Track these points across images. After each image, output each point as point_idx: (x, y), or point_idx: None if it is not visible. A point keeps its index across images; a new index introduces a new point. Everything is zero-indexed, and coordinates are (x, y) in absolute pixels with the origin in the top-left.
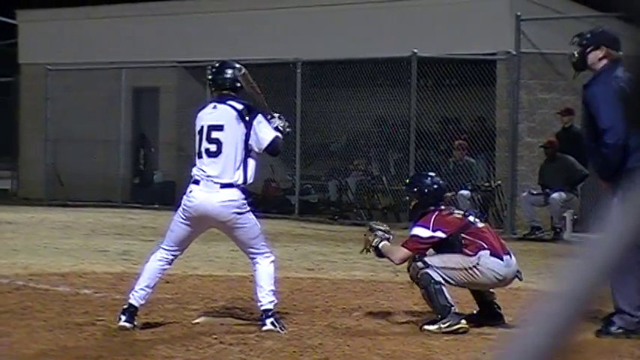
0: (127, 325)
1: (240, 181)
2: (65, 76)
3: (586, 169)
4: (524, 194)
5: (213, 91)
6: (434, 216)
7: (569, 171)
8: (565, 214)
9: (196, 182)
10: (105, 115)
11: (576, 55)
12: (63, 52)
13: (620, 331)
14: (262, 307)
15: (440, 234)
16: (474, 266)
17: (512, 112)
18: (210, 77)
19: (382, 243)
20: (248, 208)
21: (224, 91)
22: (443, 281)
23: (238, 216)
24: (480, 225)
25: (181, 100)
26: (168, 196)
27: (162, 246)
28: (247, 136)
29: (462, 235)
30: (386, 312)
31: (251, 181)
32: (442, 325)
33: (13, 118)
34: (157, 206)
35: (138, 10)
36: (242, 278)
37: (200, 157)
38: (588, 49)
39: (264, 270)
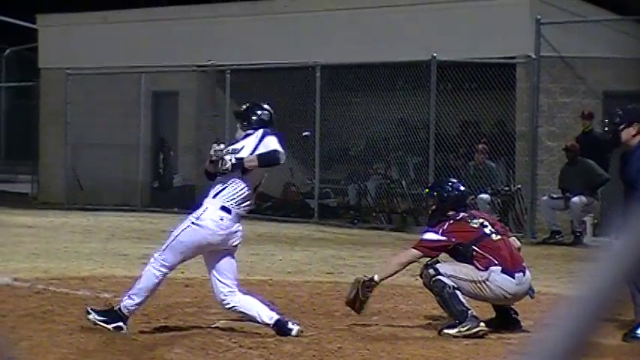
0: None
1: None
2: (85, 81)
3: (606, 174)
4: (544, 198)
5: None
6: (447, 223)
7: (589, 175)
8: (585, 219)
9: (228, 211)
10: (124, 119)
11: (609, 133)
12: (83, 56)
13: None
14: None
15: (448, 240)
16: (484, 281)
17: (532, 115)
18: (267, 110)
19: (371, 278)
20: None
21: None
22: (457, 285)
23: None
24: (495, 238)
25: (201, 104)
26: (188, 200)
27: (168, 264)
28: None
29: (474, 247)
30: (405, 316)
31: None
32: (462, 329)
33: (33, 122)
34: (176, 210)
35: (157, 14)
36: (261, 282)
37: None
38: (621, 127)
39: None
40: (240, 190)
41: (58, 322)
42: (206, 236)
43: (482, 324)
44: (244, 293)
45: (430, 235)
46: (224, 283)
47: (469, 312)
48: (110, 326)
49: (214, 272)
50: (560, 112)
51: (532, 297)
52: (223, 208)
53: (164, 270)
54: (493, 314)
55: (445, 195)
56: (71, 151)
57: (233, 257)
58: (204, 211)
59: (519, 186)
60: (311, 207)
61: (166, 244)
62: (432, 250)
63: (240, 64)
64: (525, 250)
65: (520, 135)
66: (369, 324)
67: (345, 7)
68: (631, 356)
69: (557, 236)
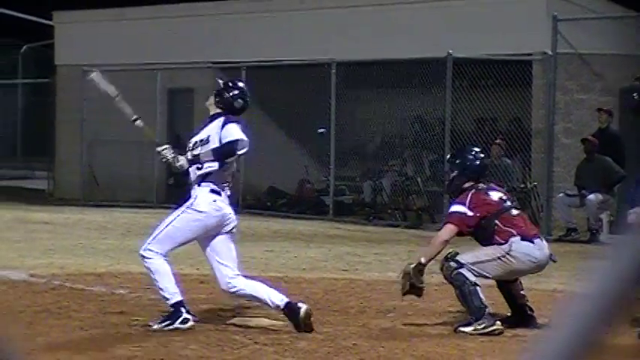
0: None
1: None
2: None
3: (623, 171)
4: (560, 195)
5: (230, 110)
6: (471, 194)
7: (605, 172)
8: (602, 216)
9: (218, 193)
10: (140, 116)
11: (636, 98)
12: (99, 53)
13: None
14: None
15: (474, 215)
16: (507, 253)
17: (549, 112)
18: (243, 97)
19: (418, 262)
20: None
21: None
22: (478, 280)
23: None
24: (514, 213)
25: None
26: None
27: (162, 252)
28: None
29: (496, 221)
30: (421, 313)
31: None
32: (478, 327)
33: (50, 119)
34: None
35: (173, 11)
36: (277, 279)
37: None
38: None
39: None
40: (222, 173)
41: (74, 318)
42: (202, 219)
43: (498, 322)
44: (248, 278)
45: (459, 207)
46: (227, 267)
47: (486, 310)
48: (177, 324)
49: (216, 259)
50: (577, 110)
51: (555, 261)
52: (213, 191)
53: (158, 255)
54: (509, 312)
55: (467, 164)
56: (87, 148)
57: (232, 243)
58: (195, 198)
59: (535, 183)
60: (326, 204)
61: (154, 236)
62: (465, 225)
63: (256, 61)
64: None
65: (536, 132)
66: (385, 321)
67: (362, 3)
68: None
69: (573, 234)
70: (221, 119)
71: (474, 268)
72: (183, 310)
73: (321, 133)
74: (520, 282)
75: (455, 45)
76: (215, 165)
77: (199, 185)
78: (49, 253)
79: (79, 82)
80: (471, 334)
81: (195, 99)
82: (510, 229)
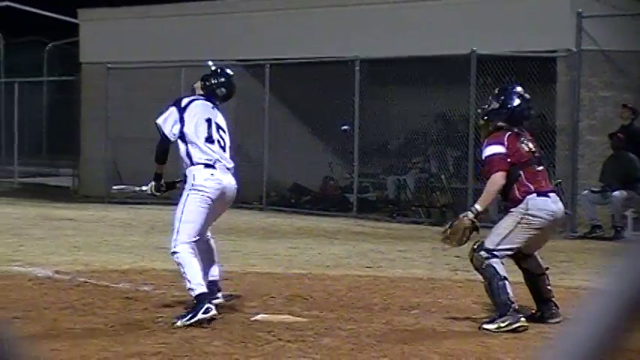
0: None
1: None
2: (125, 75)
3: None
4: (585, 193)
5: (215, 92)
6: (507, 135)
7: (630, 168)
8: (626, 213)
9: (212, 166)
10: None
11: None
12: (123, 50)
13: None
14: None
15: (507, 157)
16: (525, 213)
17: (573, 109)
18: (227, 87)
19: (476, 212)
20: None
21: (224, 95)
22: (508, 274)
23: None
24: (539, 168)
25: (239, 97)
26: None
27: (188, 240)
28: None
29: (521, 171)
30: (444, 310)
31: None
32: (501, 324)
33: (75, 116)
34: None
35: (197, 8)
36: (300, 275)
37: (212, 142)
38: None
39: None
40: (201, 148)
41: (98, 314)
42: (208, 194)
43: (522, 319)
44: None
45: (498, 148)
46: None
47: (512, 306)
48: (200, 315)
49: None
50: (601, 106)
51: (569, 214)
52: (207, 166)
53: (188, 248)
54: (534, 309)
55: (509, 106)
56: (112, 145)
57: (218, 216)
58: (193, 177)
59: (560, 180)
60: (350, 201)
61: (176, 228)
62: (507, 165)
63: (279, 59)
64: (566, 245)
65: (560, 129)
66: (408, 318)
67: (384, 1)
68: None
69: (597, 231)
70: (187, 101)
71: (501, 246)
72: (206, 301)
73: (345, 130)
74: (547, 277)
75: (479, 42)
76: (195, 145)
77: (193, 164)
78: (74, 250)
79: (103, 80)
80: (494, 332)
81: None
82: (529, 185)
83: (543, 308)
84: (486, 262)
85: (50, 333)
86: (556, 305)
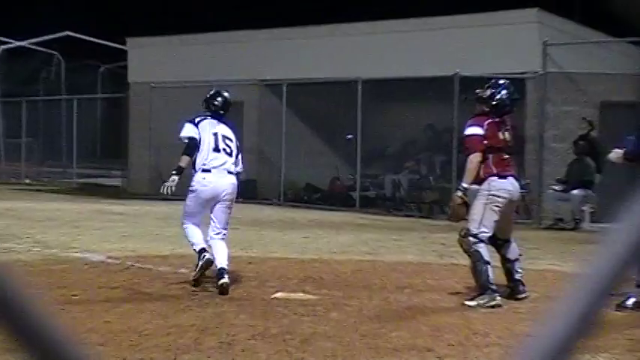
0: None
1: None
2: (166, 92)
3: (597, 173)
4: (550, 191)
5: (214, 110)
6: (489, 121)
7: (586, 171)
8: (584, 208)
9: (207, 171)
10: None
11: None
12: (164, 71)
13: (636, 305)
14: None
15: (485, 139)
16: (489, 195)
17: (540, 122)
18: (218, 100)
19: (463, 189)
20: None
21: (221, 112)
22: (491, 259)
23: (234, 195)
24: (506, 157)
25: (261, 112)
26: (251, 191)
27: (189, 223)
28: (239, 155)
29: (491, 155)
30: (432, 289)
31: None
32: (480, 302)
33: (124, 127)
34: (241, 200)
35: (224, 37)
36: (312, 260)
37: (218, 151)
38: None
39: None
40: (202, 154)
41: (143, 293)
42: (198, 194)
43: (498, 298)
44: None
45: (476, 130)
46: (214, 227)
47: (490, 287)
48: (201, 262)
49: (213, 218)
50: (564, 119)
51: (525, 189)
52: (203, 171)
53: (191, 225)
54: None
55: (495, 96)
56: (154, 152)
57: (227, 211)
58: (192, 180)
59: (528, 181)
60: (353, 198)
61: (182, 214)
62: (483, 146)
63: (295, 79)
64: (533, 235)
65: (529, 138)
66: (402, 296)
67: (382, 31)
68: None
69: (560, 223)
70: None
71: (481, 229)
72: (204, 252)
73: (349, 138)
74: (519, 261)
75: (461, 65)
76: (199, 151)
77: (195, 170)
78: (123, 239)
79: (147, 97)
80: (474, 308)
81: (244, 110)
82: (493, 168)
83: (513, 286)
84: (474, 247)
85: (103, 308)
86: (523, 284)
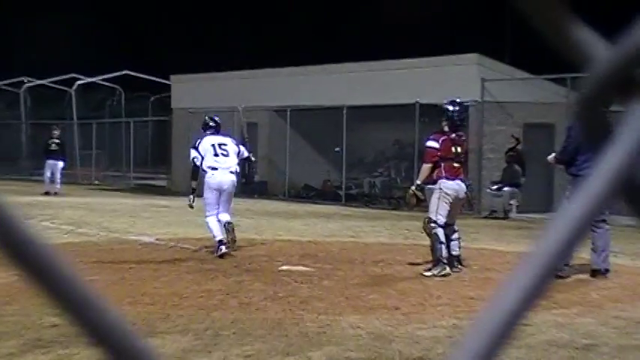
0: (225, 249)
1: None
2: (200, 116)
3: (522, 176)
4: (487, 190)
5: (212, 129)
6: (444, 138)
7: (514, 175)
8: (512, 202)
9: (215, 169)
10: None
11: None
12: (199, 100)
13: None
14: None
15: (439, 152)
16: (440, 192)
17: (479, 138)
18: (216, 123)
19: (416, 184)
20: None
21: (215, 129)
22: (444, 239)
23: (234, 187)
24: (456, 165)
25: (271, 130)
26: (263, 191)
27: (210, 214)
28: (239, 149)
29: (443, 163)
30: (399, 263)
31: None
32: (434, 272)
33: (168, 142)
34: (255, 196)
35: (245, 74)
36: (309, 242)
37: (217, 156)
38: None
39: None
40: (206, 160)
41: (182, 266)
42: (209, 184)
43: (447, 269)
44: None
45: (433, 144)
46: (220, 210)
47: (443, 261)
48: (219, 252)
49: (220, 204)
50: (497, 136)
51: (471, 190)
52: (212, 169)
53: (210, 216)
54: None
55: (447, 113)
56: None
57: (229, 199)
58: (204, 178)
59: (471, 182)
60: (340, 195)
61: (204, 208)
62: (435, 157)
63: (296, 106)
64: (474, 222)
65: (471, 150)
66: (376, 268)
67: (363, 69)
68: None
69: (494, 213)
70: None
71: (438, 216)
72: (222, 245)
73: (337, 151)
74: (460, 241)
75: (420, 95)
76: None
77: (204, 171)
78: (167, 226)
79: (186, 119)
80: (430, 276)
81: (258, 129)
82: (444, 172)
83: (450, 260)
84: (434, 230)
85: (152, 277)
86: (459, 260)
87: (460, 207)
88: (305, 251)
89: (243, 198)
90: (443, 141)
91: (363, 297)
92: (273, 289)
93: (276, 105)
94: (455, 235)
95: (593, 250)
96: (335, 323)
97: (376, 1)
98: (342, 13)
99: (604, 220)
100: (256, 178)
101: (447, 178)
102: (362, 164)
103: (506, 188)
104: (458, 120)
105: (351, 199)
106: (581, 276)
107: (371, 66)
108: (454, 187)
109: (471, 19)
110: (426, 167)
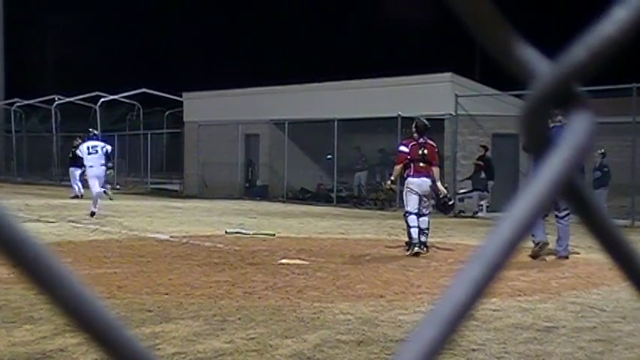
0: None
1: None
2: (208, 128)
3: (491, 180)
4: (459, 191)
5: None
6: (413, 143)
7: (480, 181)
8: (481, 203)
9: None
10: (230, 149)
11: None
12: (207, 114)
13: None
14: None
15: (408, 154)
16: (407, 187)
17: (453, 147)
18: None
19: (390, 180)
20: None
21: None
22: (416, 224)
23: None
24: (422, 165)
25: (271, 141)
26: (264, 194)
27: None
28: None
29: (412, 163)
30: (382, 256)
31: None
32: (409, 252)
33: (181, 151)
34: (258, 199)
35: (247, 91)
36: (305, 238)
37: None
38: None
39: None
40: None
41: (194, 259)
42: None
43: (417, 248)
44: None
45: (403, 148)
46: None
47: (413, 242)
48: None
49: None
50: (469, 145)
51: (437, 191)
52: None
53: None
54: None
55: (415, 123)
56: (201, 167)
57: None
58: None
59: (447, 185)
60: (331, 196)
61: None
62: (404, 159)
63: (293, 119)
64: (449, 221)
65: (446, 157)
66: (364, 261)
67: (352, 87)
68: (543, 293)
69: (465, 212)
70: None
71: (409, 207)
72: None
73: (329, 158)
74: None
75: (402, 109)
76: None
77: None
78: (180, 224)
79: (196, 131)
80: (406, 256)
81: (260, 139)
82: (411, 171)
83: (420, 245)
84: (407, 217)
85: (167, 269)
86: (426, 246)
87: (424, 199)
88: (301, 246)
89: (248, 200)
90: (412, 146)
91: (352, 286)
92: (273, 280)
93: (276, 118)
94: (423, 223)
95: (557, 239)
96: (327, 310)
97: (364, 27)
98: (332, 37)
99: (568, 214)
100: (258, 182)
101: (412, 176)
102: (351, 170)
103: (475, 192)
104: (420, 130)
105: (341, 201)
106: (542, 267)
107: (359, 84)
108: (417, 182)
109: (445, 41)
110: (397, 168)
